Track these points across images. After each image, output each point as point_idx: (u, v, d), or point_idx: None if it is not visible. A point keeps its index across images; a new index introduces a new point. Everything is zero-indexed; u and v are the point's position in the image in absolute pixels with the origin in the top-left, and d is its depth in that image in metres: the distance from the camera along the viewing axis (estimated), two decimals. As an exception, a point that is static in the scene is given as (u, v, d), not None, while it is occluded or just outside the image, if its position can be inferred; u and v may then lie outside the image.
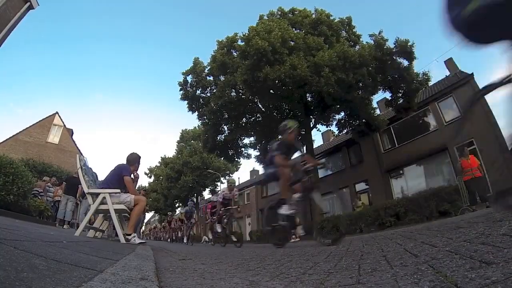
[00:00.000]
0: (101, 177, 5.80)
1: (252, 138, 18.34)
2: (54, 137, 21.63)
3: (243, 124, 16.73)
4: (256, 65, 12.64)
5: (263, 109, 16.37)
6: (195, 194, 32.77)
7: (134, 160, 4.43)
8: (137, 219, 3.85)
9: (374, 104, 16.50)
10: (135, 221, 3.82)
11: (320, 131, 17.72)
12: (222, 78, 15.26)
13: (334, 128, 17.33)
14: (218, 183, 31.72)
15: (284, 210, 3.68)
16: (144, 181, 48.84)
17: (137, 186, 8.45)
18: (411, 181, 15.61)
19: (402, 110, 15.16)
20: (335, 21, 15.23)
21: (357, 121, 15.63)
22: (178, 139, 33.96)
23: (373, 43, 13.61)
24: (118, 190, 3.74)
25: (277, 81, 12.94)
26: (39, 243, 1.52)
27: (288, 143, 4.08)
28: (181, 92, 17.03)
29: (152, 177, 37.31)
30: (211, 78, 16.50)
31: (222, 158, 21.10)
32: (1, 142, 19.29)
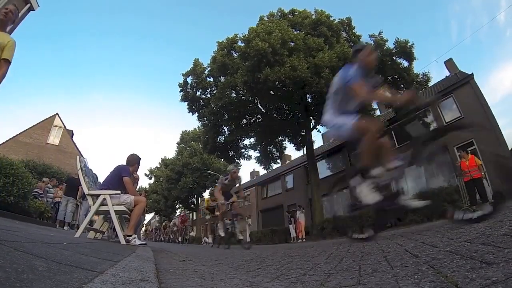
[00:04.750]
0: (101, 178, 5.80)
1: (252, 139, 18.35)
2: (54, 138, 21.63)
3: (243, 125, 16.73)
4: (256, 66, 12.65)
5: (263, 110, 16.38)
6: (195, 195, 32.77)
7: (133, 161, 4.44)
8: (137, 219, 3.84)
9: (374, 105, 16.51)
10: (135, 222, 3.81)
11: (320, 132, 17.75)
12: (222, 79, 15.26)
13: (334, 129, 17.32)
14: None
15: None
16: (144, 182, 48.88)
17: (138, 187, 8.44)
18: (412, 182, 15.59)
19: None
20: (335, 21, 15.24)
21: (357, 122, 15.61)
22: (179, 140, 33.99)
23: (373, 43, 13.63)
24: (118, 191, 3.74)
25: (277, 82, 12.94)
26: (40, 245, 1.52)
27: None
28: (181, 93, 17.04)
29: (153, 178, 37.34)
30: (211, 79, 16.50)
31: (223, 159, 21.10)
32: (2, 143, 19.29)
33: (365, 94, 2.75)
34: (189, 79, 16.82)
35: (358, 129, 2.66)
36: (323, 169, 20.65)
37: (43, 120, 21.69)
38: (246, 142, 18.61)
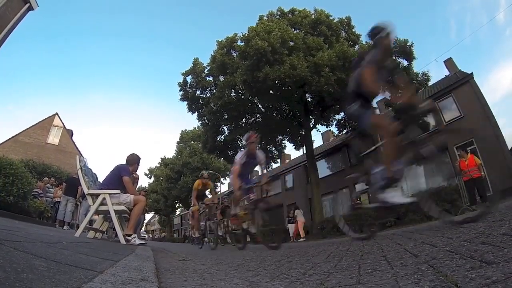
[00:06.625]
0: (101, 178, 5.80)
1: (251, 139, 18.32)
2: (54, 138, 21.60)
3: (243, 125, 16.71)
4: (256, 66, 12.63)
5: (262, 110, 16.36)
6: (195, 195, 32.83)
7: (133, 160, 4.43)
8: (137, 219, 3.85)
9: (374, 104, 16.49)
10: (135, 221, 3.81)
11: (320, 131, 17.73)
12: (222, 78, 15.24)
13: (334, 129, 17.34)
14: (218, 184, 31.77)
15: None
16: (144, 181, 48.91)
17: (137, 187, 8.43)
18: (411, 181, 15.59)
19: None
20: (335, 21, 15.21)
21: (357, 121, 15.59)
22: (178, 139, 34.00)
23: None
24: (118, 191, 3.73)
25: (276, 81, 12.93)
26: (39, 244, 1.52)
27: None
28: (181, 92, 17.03)
29: (152, 178, 37.35)
30: (211, 78, 16.49)
31: (222, 158, 21.08)
32: (1, 143, 19.27)
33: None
34: (189, 79, 16.80)
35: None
36: (323, 169, 20.64)
37: (42, 120, 21.66)
38: (246, 141, 18.61)
